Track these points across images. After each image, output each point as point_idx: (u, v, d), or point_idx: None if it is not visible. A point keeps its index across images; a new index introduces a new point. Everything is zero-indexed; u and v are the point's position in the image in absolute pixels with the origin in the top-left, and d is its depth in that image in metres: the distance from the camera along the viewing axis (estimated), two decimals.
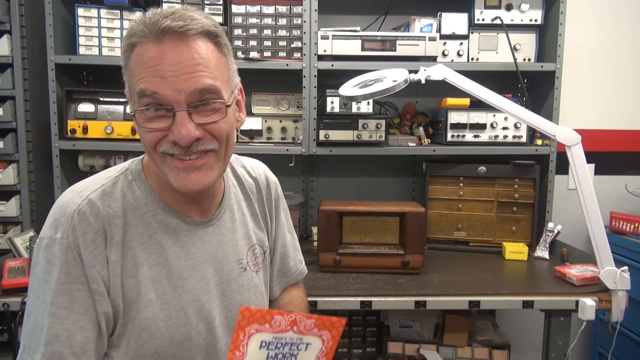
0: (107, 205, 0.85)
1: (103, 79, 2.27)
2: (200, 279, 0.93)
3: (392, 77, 1.67)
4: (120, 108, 2.04)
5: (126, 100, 2.10)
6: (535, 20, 2.10)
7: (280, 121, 2.10)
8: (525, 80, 2.21)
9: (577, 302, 1.55)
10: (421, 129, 2.18)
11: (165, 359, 0.88)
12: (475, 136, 2.07)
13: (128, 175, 0.91)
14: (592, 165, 2.38)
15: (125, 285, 0.85)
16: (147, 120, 0.81)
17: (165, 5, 2.00)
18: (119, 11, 2.03)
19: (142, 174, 0.91)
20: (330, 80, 2.09)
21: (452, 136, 2.06)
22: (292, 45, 2.05)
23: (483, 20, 2.09)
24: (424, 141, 2.14)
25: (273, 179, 1.17)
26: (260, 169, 1.16)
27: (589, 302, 1.52)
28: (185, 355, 0.90)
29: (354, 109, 1.99)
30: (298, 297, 1.20)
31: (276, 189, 1.16)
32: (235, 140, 0.92)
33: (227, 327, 0.97)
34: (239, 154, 1.18)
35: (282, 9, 2.04)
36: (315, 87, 1.99)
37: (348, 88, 1.72)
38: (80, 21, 2.01)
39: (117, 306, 0.85)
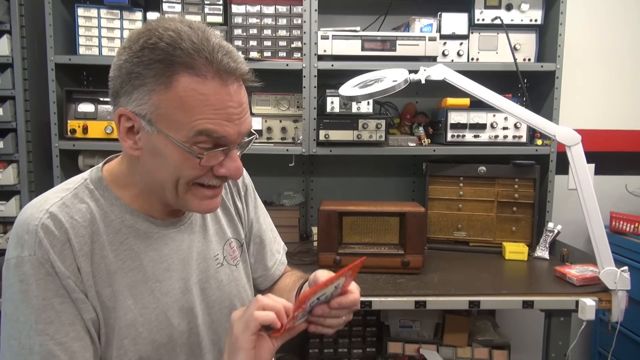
0: (69, 216, 0.83)
1: (103, 79, 2.24)
2: (178, 280, 0.93)
3: (392, 77, 1.67)
4: None
5: None
6: (535, 20, 2.10)
7: (280, 121, 2.10)
8: (525, 80, 2.21)
9: (577, 302, 1.55)
10: (421, 129, 2.18)
11: None
12: (475, 136, 2.07)
13: (89, 185, 0.89)
14: (592, 165, 2.38)
15: (101, 295, 0.84)
16: (195, 156, 0.80)
17: (165, 6, 2.01)
18: (119, 11, 2.03)
19: (103, 182, 0.89)
20: (330, 80, 2.09)
21: (452, 136, 2.06)
22: (292, 45, 2.05)
23: (483, 20, 2.09)
24: (424, 141, 2.14)
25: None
26: None
27: (589, 302, 1.52)
28: (170, 356, 0.90)
29: (354, 109, 1.99)
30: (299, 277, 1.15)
31: (243, 179, 1.13)
32: None
33: (212, 323, 0.97)
34: None
35: (282, 9, 2.04)
36: (315, 87, 1.99)
37: (348, 88, 1.72)
38: (80, 21, 2.01)
39: (97, 316, 0.83)
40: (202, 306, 0.96)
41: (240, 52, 0.84)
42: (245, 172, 1.13)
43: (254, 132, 0.89)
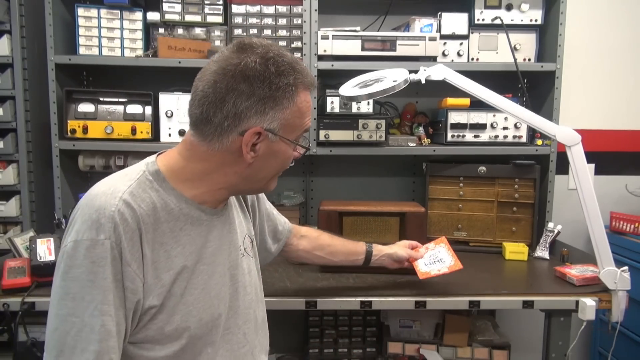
0: (138, 205, 0.90)
1: (103, 79, 2.27)
2: (218, 264, 1.02)
3: (392, 77, 1.67)
4: (120, 108, 2.04)
5: (126, 100, 2.11)
6: (535, 20, 2.10)
7: None
8: (525, 80, 2.21)
9: (577, 302, 1.55)
10: (421, 129, 2.18)
11: (194, 339, 0.96)
12: (475, 136, 2.07)
13: (148, 176, 0.95)
14: (592, 165, 2.38)
15: (161, 279, 0.91)
16: (307, 147, 1.05)
17: (165, 6, 2.01)
18: (119, 11, 2.03)
19: (161, 174, 0.97)
20: (330, 80, 2.09)
21: (452, 136, 2.06)
22: (292, 45, 2.05)
23: (483, 20, 2.09)
24: (424, 141, 2.14)
25: None
26: None
27: (589, 302, 1.52)
28: (209, 336, 0.99)
29: (354, 109, 1.99)
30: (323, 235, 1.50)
31: None
32: None
33: (237, 309, 1.06)
34: None
35: (282, 9, 2.04)
36: (315, 87, 1.99)
37: (348, 88, 1.72)
38: (80, 21, 2.01)
39: (153, 301, 0.90)
40: (231, 290, 1.05)
41: None
42: None
43: None
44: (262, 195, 1.30)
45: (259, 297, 1.17)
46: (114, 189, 0.90)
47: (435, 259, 1.58)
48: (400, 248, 1.57)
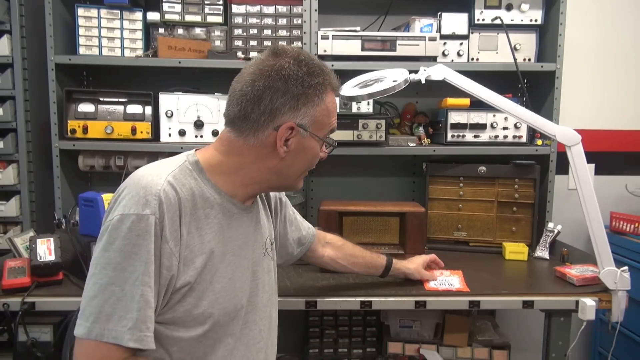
0: (180, 188, 0.96)
1: (103, 79, 2.27)
2: (244, 258, 1.08)
3: (392, 77, 1.67)
4: (120, 108, 2.04)
5: (126, 100, 2.11)
6: (535, 20, 2.10)
7: None
8: (525, 80, 2.21)
9: (577, 302, 1.54)
10: (421, 129, 2.18)
11: (216, 327, 1.01)
12: (475, 136, 2.07)
13: (188, 166, 1.02)
14: (592, 165, 2.38)
15: (194, 262, 0.96)
16: (333, 144, 1.12)
17: (165, 6, 2.01)
18: (119, 11, 2.03)
19: (199, 165, 1.03)
20: None
21: (452, 136, 2.06)
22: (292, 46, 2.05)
23: (483, 20, 2.09)
24: (424, 141, 2.14)
25: None
26: None
27: (589, 302, 1.51)
28: (230, 326, 1.03)
29: (354, 109, 1.99)
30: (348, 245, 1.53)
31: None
32: None
33: (250, 304, 1.09)
34: None
35: (282, 9, 2.04)
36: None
37: (348, 88, 1.72)
38: (80, 21, 2.01)
39: (186, 279, 0.95)
40: (252, 286, 1.10)
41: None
42: None
43: None
44: (287, 201, 1.36)
45: (274, 298, 1.21)
46: (160, 172, 0.97)
47: (447, 282, 1.63)
48: (417, 268, 1.62)
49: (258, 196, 1.21)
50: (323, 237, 1.48)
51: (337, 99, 1.10)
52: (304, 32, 1.99)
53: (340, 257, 1.49)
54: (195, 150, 1.08)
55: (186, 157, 1.05)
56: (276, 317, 1.22)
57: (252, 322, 1.10)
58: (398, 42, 1.99)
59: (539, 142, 2.07)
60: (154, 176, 0.95)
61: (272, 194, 1.29)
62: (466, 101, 2.02)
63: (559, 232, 1.97)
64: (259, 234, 1.15)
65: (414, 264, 1.62)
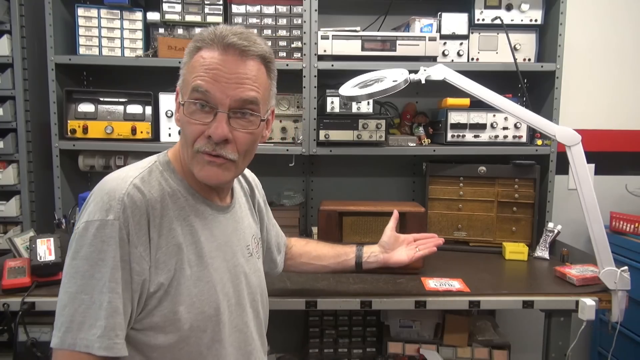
0: (148, 190, 0.94)
1: (103, 79, 2.27)
2: (223, 260, 1.04)
3: (392, 77, 1.67)
4: (120, 108, 2.04)
5: (126, 100, 2.11)
6: (535, 20, 2.10)
7: (281, 121, 2.10)
8: (525, 80, 2.21)
9: (577, 302, 1.54)
10: (421, 129, 2.18)
11: (198, 332, 0.97)
12: (475, 136, 2.07)
13: (158, 166, 1.00)
14: (592, 165, 2.38)
15: (167, 264, 0.93)
16: (192, 113, 0.95)
17: (165, 6, 2.01)
18: (119, 11, 2.03)
19: (171, 165, 1.01)
20: (330, 80, 2.09)
21: (452, 136, 2.06)
22: (292, 45, 2.05)
23: (483, 20, 2.09)
24: (424, 141, 2.14)
25: (257, 179, 1.33)
26: (247, 170, 1.29)
27: (589, 302, 1.51)
28: (214, 330, 1.00)
29: (354, 109, 1.99)
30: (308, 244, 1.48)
31: (260, 188, 1.33)
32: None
33: (238, 307, 1.06)
34: None
35: (282, 9, 2.04)
36: (315, 87, 1.99)
37: (348, 88, 1.72)
38: (80, 21, 2.01)
39: (159, 281, 0.92)
40: (238, 288, 1.07)
41: (263, 44, 1.00)
42: (259, 183, 1.33)
43: (258, 112, 0.98)
44: (268, 206, 1.34)
45: (263, 298, 1.18)
46: (126, 175, 0.94)
47: (447, 282, 1.64)
48: (388, 256, 1.44)
49: (243, 195, 1.20)
50: (289, 241, 1.46)
51: (216, 54, 0.93)
52: (304, 32, 1.99)
53: (302, 255, 1.44)
54: (169, 149, 1.05)
55: (157, 157, 1.03)
56: (266, 317, 1.20)
57: (243, 324, 1.07)
58: (398, 42, 1.99)
59: (539, 142, 2.07)
60: (119, 180, 0.93)
61: (257, 194, 1.27)
62: (466, 101, 2.02)
63: (559, 232, 1.97)
64: (241, 235, 1.11)
65: (380, 249, 1.44)
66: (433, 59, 2.02)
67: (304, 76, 1.98)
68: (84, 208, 0.93)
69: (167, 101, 2.02)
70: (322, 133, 1.98)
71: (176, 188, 0.99)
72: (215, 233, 1.03)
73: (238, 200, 1.14)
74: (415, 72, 1.67)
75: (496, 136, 2.07)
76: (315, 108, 2.01)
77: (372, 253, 1.44)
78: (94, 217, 0.88)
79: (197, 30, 2.06)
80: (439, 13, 2.08)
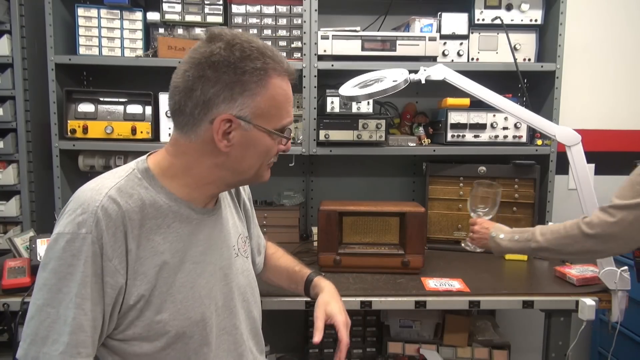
0: (124, 201, 0.90)
1: (103, 79, 2.27)
2: (209, 263, 1.02)
3: (392, 77, 1.67)
4: (120, 108, 2.04)
5: (126, 100, 2.10)
6: (535, 20, 2.10)
7: None
8: (525, 80, 2.21)
9: (577, 302, 1.54)
10: (421, 129, 2.18)
11: (185, 338, 0.96)
12: (475, 136, 2.07)
13: (137, 174, 0.96)
14: (592, 165, 2.38)
15: (147, 275, 0.91)
16: (280, 142, 1.00)
17: (165, 6, 2.01)
18: (119, 11, 2.03)
19: (150, 172, 0.97)
20: (330, 80, 2.09)
21: (452, 136, 2.06)
22: (292, 45, 2.05)
23: (483, 20, 2.09)
24: (424, 141, 2.14)
25: None
26: None
27: (589, 302, 1.52)
28: (201, 335, 0.98)
29: (354, 109, 1.99)
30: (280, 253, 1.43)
31: (247, 187, 1.30)
32: None
33: (226, 309, 1.05)
34: None
35: (282, 9, 2.04)
36: (315, 87, 2.00)
37: (348, 88, 1.72)
38: (80, 21, 2.01)
39: (139, 293, 0.90)
40: (225, 291, 1.05)
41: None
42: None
43: None
44: (252, 206, 1.30)
45: (255, 297, 1.16)
46: (101, 186, 0.91)
47: (447, 282, 1.64)
48: (320, 309, 1.32)
49: (228, 194, 1.17)
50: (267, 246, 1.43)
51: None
52: (304, 32, 1.99)
53: (266, 263, 1.39)
54: (149, 154, 1.02)
55: (135, 164, 0.99)
56: (259, 316, 1.18)
57: (232, 326, 1.06)
58: (398, 42, 1.99)
59: (539, 142, 2.07)
60: (94, 191, 0.90)
61: (242, 192, 1.24)
62: (466, 101, 2.02)
63: None
64: (227, 235, 1.09)
65: (321, 302, 1.32)
66: (433, 59, 2.02)
67: (304, 76, 1.98)
68: (59, 218, 0.90)
69: (167, 101, 2.02)
70: (322, 133, 1.98)
71: (157, 196, 0.95)
72: (200, 237, 1.01)
73: (223, 201, 1.12)
74: (415, 72, 1.67)
75: (496, 136, 2.07)
76: (315, 108, 2.01)
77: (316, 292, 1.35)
78: (65, 229, 0.86)
79: (197, 30, 2.07)
80: (439, 13, 2.08)
